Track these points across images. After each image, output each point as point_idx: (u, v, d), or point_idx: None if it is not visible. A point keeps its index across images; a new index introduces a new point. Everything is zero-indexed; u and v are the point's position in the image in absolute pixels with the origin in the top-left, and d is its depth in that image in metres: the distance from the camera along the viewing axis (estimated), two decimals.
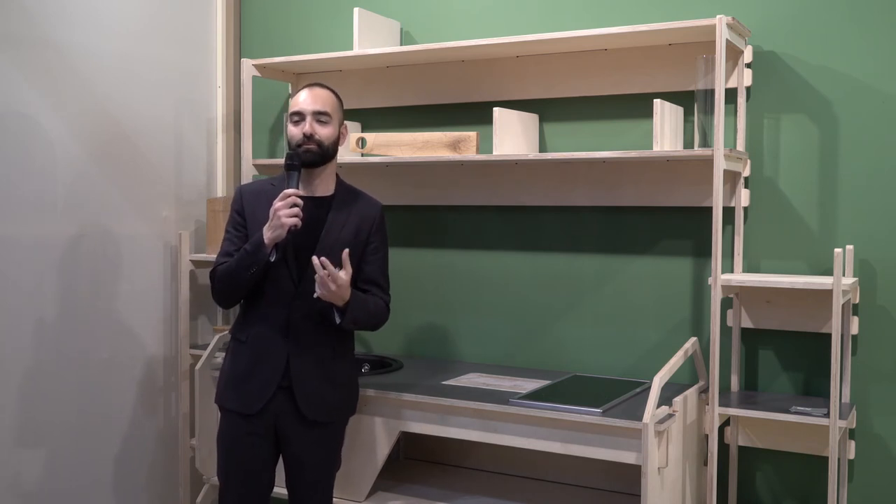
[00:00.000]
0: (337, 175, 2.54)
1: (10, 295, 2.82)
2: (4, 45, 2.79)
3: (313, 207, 2.42)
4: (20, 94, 2.84)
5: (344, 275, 2.32)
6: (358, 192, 2.55)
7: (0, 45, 2.78)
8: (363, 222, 2.49)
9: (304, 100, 2.44)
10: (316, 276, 2.30)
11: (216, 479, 2.54)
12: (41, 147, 2.91)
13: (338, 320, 2.38)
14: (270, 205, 2.34)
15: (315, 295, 2.34)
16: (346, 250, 2.35)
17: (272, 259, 2.36)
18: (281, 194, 2.32)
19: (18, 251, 2.85)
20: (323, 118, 2.43)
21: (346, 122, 2.55)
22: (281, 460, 2.50)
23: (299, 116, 2.44)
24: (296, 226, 2.31)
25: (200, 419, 2.95)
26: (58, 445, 2.98)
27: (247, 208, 2.47)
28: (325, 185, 2.49)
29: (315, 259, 2.30)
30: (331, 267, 2.30)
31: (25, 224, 2.87)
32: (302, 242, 2.39)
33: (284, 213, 2.30)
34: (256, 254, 2.34)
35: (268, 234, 2.32)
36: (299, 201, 2.32)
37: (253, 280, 2.38)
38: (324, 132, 2.43)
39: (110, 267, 3.15)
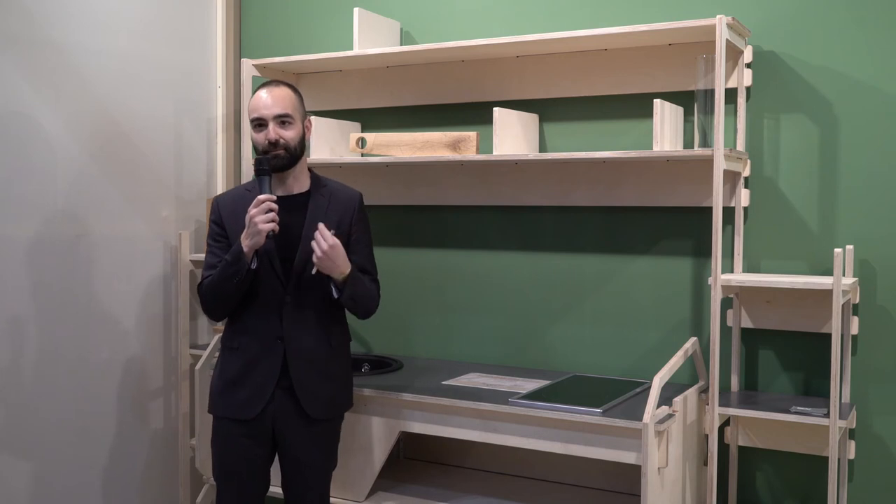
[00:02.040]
0: (310, 170, 2.53)
1: (9, 295, 2.82)
2: (4, 45, 2.79)
3: (290, 206, 2.40)
4: (20, 94, 2.84)
5: (332, 239, 2.31)
6: (334, 185, 2.53)
7: (0, 45, 2.78)
8: (343, 214, 2.46)
9: (264, 104, 2.40)
10: (312, 243, 2.31)
11: None
12: (41, 147, 2.91)
13: (335, 294, 2.37)
14: (247, 211, 2.33)
15: (313, 270, 2.34)
16: (321, 223, 2.33)
17: (253, 267, 2.34)
18: (255, 200, 2.30)
19: (18, 251, 2.85)
20: (286, 120, 2.40)
21: (309, 116, 2.53)
22: (277, 461, 2.50)
23: (261, 122, 2.40)
24: (273, 230, 2.30)
25: (200, 419, 2.95)
26: (57, 445, 2.98)
27: (225, 218, 2.46)
28: (299, 183, 2.47)
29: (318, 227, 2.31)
30: (322, 227, 2.29)
31: (25, 224, 2.86)
32: (284, 243, 2.38)
33: (260, 219, 2.28)
34: (237, 263, 2.32)
35: (246, 242, 2.31)
36: (274, 206, 2.30)
37: (239, 290, 2.36)
38: (288, 134, 2.40)
39: (110, 267, 3.15)
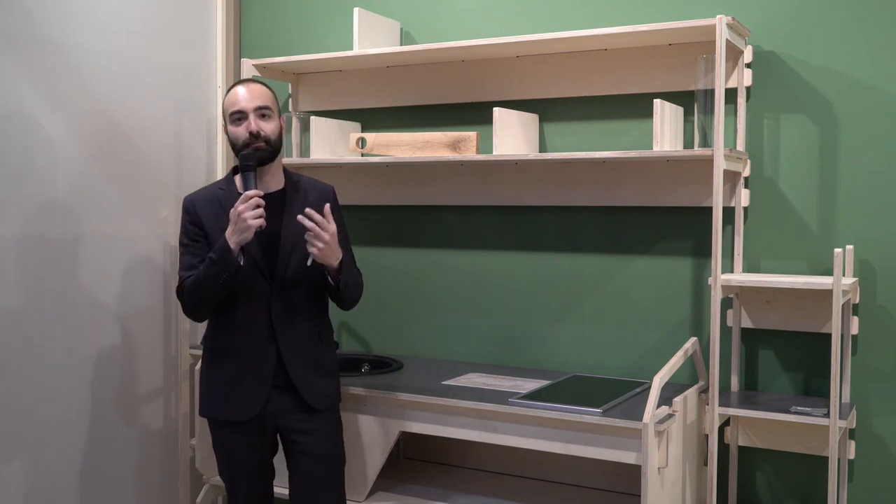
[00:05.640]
0: (283, 167, 2.55)
1: (8, 295, 2.82)
2: (4, 45, 2.79)
3: (268, 203, 2.39)
4: (20, 94, 2.84)
5: (333, 226, 2.33)
6: (307, 180, 2.56)
7: (0, 45, 2.78)
8: (319, 208, 2.43)
9: (243, 97, 2.42)
10: (306, 234, 2.30)
11: (216, 479, 2.55)
12: (41, 147, 2.91)
13: (332, 283, 2.39)
14: (226, 210, 2.34)
15: (308, 262, 2.34)
16: (328, 205, 2.34)
17: (241, 263, 2.34)
18: (242, 196, 2.30)
19: (18, 251, 2.84)
20: (266, 112, 2.42)
21: (283, 114, 2.56)
22: (285, 464, 2.51)
23: (241, 115, 2.41)
24: (261, 226, 2.30)
25: (200, 419, 2.95)
26: (57, 446, 2.98)
27: (204, 218, 2.44)
28: (276, 180, 2.49)
29: (300, 216, 2.30)
30: (318, 217, 2.30)
31: (25, 224, 2.86)
32: (265, 240, 2.39)
33: (249, 214, 2.27)
34: (224, 261, 2.30)
35: (233, 238, 2.29)
36: (262, 202, 2.30)
37: (226, 287, 2.35)
38: (268, 127, 2.42)
39: (110, 267, 3.15)
